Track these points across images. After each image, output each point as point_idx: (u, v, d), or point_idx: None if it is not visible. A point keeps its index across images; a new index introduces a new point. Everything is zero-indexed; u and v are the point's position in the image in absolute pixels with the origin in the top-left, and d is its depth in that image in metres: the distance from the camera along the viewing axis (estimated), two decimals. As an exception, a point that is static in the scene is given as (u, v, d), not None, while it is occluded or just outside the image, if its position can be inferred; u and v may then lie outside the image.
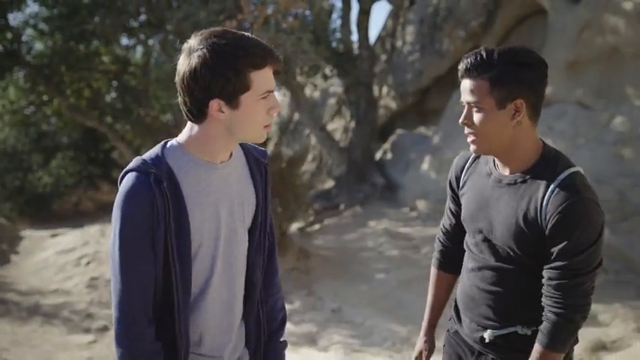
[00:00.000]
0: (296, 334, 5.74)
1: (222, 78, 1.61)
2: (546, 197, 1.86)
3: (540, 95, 1.91)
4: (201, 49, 1.61)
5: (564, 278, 1.86)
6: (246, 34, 1.68)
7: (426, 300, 2.41)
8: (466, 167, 2.17)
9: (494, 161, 2.06)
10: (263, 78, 1.65)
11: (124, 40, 14.32)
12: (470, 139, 1.97)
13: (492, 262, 2.03)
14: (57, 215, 18.11)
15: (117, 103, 14.44)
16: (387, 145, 11.31)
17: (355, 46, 11.09)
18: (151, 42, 13.79)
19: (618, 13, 7.94)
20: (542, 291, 1.93)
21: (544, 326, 1.90)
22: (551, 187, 1.86)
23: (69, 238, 12.70)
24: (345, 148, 10.78)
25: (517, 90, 1.86)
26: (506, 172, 2.00)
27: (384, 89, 12.21)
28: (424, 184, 9.47)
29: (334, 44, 11.04)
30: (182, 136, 1.76)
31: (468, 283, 2.14)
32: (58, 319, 7.45)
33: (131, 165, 1.67)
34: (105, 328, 7.08)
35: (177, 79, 1.66)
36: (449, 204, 2.29)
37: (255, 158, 1.91)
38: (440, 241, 2.37)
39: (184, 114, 1.71)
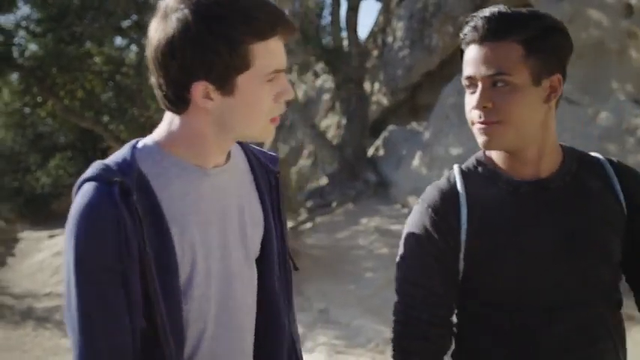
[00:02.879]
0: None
1: (209, 51, 1.15)
2: (615, 181, 1.43)
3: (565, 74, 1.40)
4: (181, 9, 1.16)
5: None
6: None
7: None
8: (462, 204, 1.41)
9: (496, 169, 1.44)
10: (269, 52, 1.19)
11: (118, 40, 14.38)
12: (485, 130, 1.34)
13: (575, 309, 1.41)
14: (56, 216, 18.14)
15: (111, 103, 14.48)
16: (379, 142, 11.32)
17: (346, 43, 11.13)
18: (144, 41, 13.79)
19: (602, 7, 7.94)
20: None
21: None
22: (610, 171, 1.45)
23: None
24: (337, 145, 10.81)
25: (556, 62, 1.36)
26: (541, 175, 1.41)
27: (376, 85, 12.23)
28: (415, 180, 9.50)
29: (324, 41, 11.07)
30: (158, 133, 1.27)
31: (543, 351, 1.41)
32: (51, 322, 7.52)
33: (89, 172, 1.19)
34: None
35: (149, 51, 1.21)
36: (425, 279, 1.44)
37: (261, 164, 1.42)
38: (418, 341, 1.46)
39: (160, 101, 1.25)
